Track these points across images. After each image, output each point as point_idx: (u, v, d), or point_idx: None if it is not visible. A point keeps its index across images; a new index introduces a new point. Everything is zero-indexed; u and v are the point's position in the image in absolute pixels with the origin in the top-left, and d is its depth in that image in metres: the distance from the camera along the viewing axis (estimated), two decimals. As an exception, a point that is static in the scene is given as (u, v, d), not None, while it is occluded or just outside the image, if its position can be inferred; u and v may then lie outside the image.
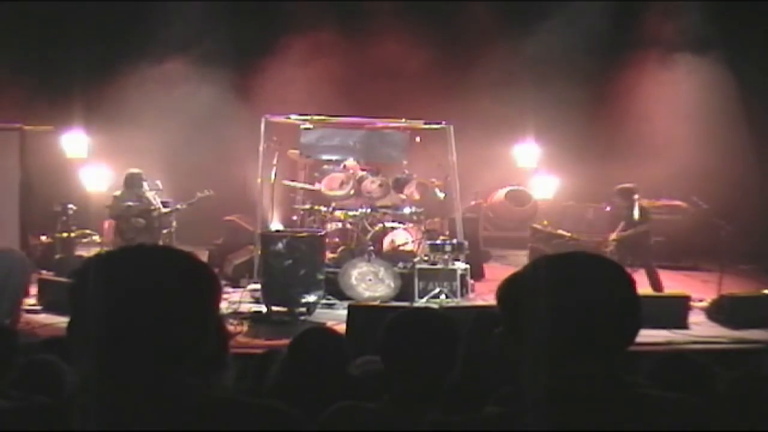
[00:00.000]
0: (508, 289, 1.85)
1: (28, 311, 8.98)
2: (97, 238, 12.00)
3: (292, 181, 12.19)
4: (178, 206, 11.27)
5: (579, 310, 1.73)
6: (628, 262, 10.54)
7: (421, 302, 10.03)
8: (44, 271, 10.57)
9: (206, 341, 1.72)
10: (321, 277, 9.91)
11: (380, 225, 11.30)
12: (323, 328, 4.72)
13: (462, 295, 10.44)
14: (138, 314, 1.63)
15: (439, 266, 10.53)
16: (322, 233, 10.64)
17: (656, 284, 10.73)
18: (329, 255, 10.86)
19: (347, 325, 7.65)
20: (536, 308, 1.74)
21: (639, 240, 10.77)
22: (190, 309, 1.68)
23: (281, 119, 11.80)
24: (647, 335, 8.69)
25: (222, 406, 1.70)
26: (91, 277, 1.69)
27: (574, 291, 1.74)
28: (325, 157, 11.89)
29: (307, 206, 11.46)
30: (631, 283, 1.81)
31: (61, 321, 8.79)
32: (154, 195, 11.02)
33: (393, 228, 11.24)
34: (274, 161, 11.63)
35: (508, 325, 1.83)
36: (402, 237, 11.14)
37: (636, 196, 10.76)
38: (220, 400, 1.71)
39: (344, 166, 11.83)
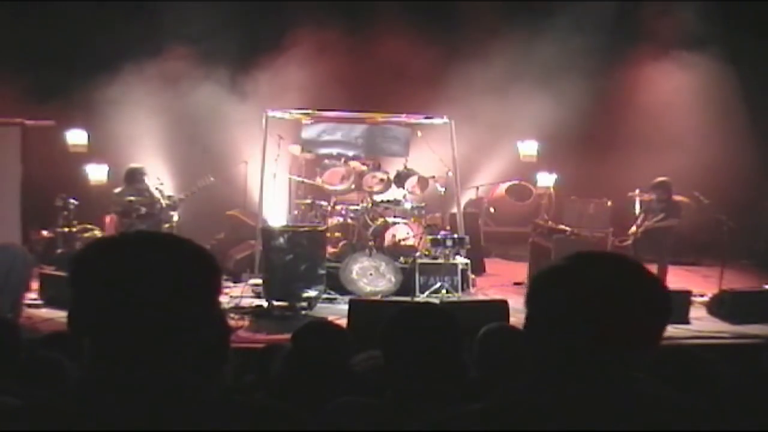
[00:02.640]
0: (543, 283, 1.85)
1: (30, 306, 8.99)
2: (98, 232, 12.00)
3: (294, 175, 12.19)
4: (181, 196, 11.28)
5: (612, 314, 1.75)
6: (647, 256, 10.55)
7: (422, 297, 10.05)
8: (46, 266, 10.57)
9: (207, 327, 1.71)
10: (322, 271, 9.91)
11: (381, 220, 11.31)
12: (325, 322, 4.73)
13: (463, 290, 10.44)
14: (137, 301, 1.62)
15: (440, 261, 10.53)
16: (323, 228, 10.64)
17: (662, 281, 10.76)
18: (330, 250, 10.86)
19: (348, 320, 7.66)
20: (570, 305, 1.76)
21: (664, 233, 10.83)
22: (190, 294, 1.68)
23: (282, 114, 11.81)
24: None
25: (222, 405, 1.70)
26: (89, 263, 1.69)
27: (611, 293, 1.76)
28: (326, 151, 11.88)
29: (309, 201, 11.47)
30: (661, 284, 1.86)
31: (63, 316, 8.76)
32: (155, 189, 11.02)
33: (394, 223, 11.24)
34: (276, 156, 11.63)
35: (535, 320, 1.84)
36: (403, 232, 11.14)
37: (672, 190, 10.89)
38: (220, 399, 1.71)
39: (345, 161, 11.83)
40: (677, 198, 11.07)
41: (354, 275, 10.33)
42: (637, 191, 10.96)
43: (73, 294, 1.68)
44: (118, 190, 10.90)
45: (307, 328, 3.93)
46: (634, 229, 11.10)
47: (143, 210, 10.77)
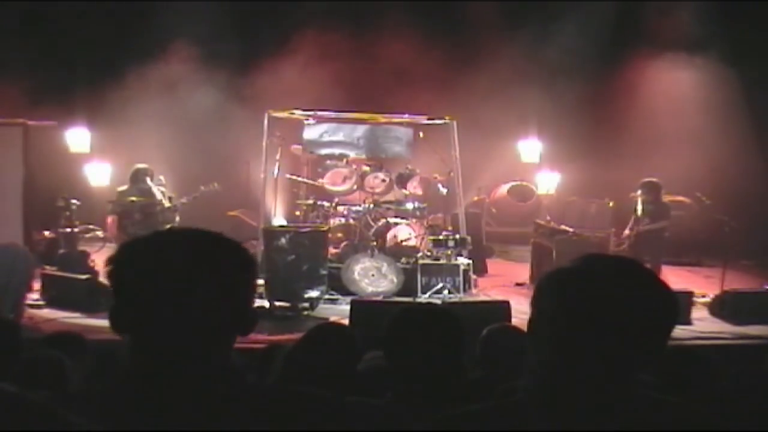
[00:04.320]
0: (549, 284, 1.84)
1: (32, 306, 8.99)
2: (100, 233, 12.01)
3: (295, 176, 12.19)
4: (183, 200, 11.28)
5: (618, 317, 1.73)
6: (646, 258, 10.57)
7: (424, 298, 10.04)
8: (47, 266, 10.57)
9: (246, 324, 1.74)
10: (324, 272, 9.91)
11: (383, 220, 11.31)
12: (337, 325, 4.74)
13: (465, 291, 10.44)
14: (177, 297, 1.63)
15: (441, 262, 10.53)
16: (325, 228, 10.64)
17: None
18: (332, 250, 10.86)
19: (350, 321, 7.65)
20: (576, 310, 1.75)
21: (658, 235, 10.83)
22: (230, 289, 1.69)
23: (284, 114, 11.81)
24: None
25: (265, 393, 1.73)
26: (128, 261, 1.69)
27: (619, 298, 1.75)
28: (328, 152, 11.89)
29: (310, 201, 11.46)
30: (668, 287, 1.84)
31: (65, 316, 8.83)
32: (158, 190, 11.02)
33: (396, 223, 11.24)
34: (278, 156, 11.64)
35: (540, 321, 1.83)
36: (405, 232, 11.14)
37: (662, 191, 10.88)
38: (263, 388, 1.73)
39: (347, 161, 11.84)
40: (665, 199, 11.11)
41: (356, 276, 10.33)
42: (639, 192, 10.96)
43: (113, 292, 1.69)
44: (122, 188, 10.92)
45: (319, 329, 3.93)
46: (627, 231, 11.11)
47: (144, 210, 10.77)
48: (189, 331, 1.64)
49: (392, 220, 11.33)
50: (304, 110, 11.96)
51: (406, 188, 11.60)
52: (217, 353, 1.68)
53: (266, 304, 9.69)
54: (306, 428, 1.69)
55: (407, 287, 10.28)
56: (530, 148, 14.04)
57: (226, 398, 1.65)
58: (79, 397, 1.72)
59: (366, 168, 11.78)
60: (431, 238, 10.87)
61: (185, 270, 1.64)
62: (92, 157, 12.74)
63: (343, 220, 11.45)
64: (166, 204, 11.01)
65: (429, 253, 10.80)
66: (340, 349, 3.70)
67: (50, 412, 1.63)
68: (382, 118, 12.10)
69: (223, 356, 1.69)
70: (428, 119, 11.99)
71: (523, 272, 11.96)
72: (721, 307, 9.75)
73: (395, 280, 10.36)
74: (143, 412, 1.61)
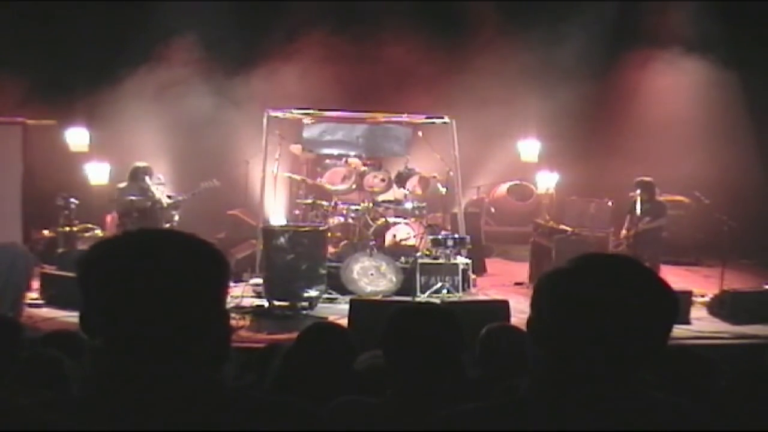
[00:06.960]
0: (548, 284, 1.84)
1: (31, 305, 8.99)
2: (99, 231, 12.01)
3: (295, 175, 12.19)
4: (181, 197, 11.27)
5: (618, 316, 1.74)
6: (645, 257, 10.58)
7: (423, 297, 10.04)
8: (47, 265, 10.58)
9: (217, 326, 1.71)
10: (323, 271, 9.90)
11: (382, 219, 11.31)
12: (332, 324, 4.73)
13: (464, 290, 10.43)
14: (146, 299, 1.60)
15: (441, 261, 10.53)
16: (325, 228, 10.64)
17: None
18: (331, 249, 10.86)
19: (349, 320, 7.65)
20: (575, 310, 1.75)
21: (656, 234, 10.84)
22: (201, 291, 1.66)
23: (284, 114, 11.80)
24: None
25: (237, 401, 1.69)
26: (96, 264, 1.67)
27: (618, 297, 1.75)
28: (327, 151, 11.89)
29: (310, 201, 11.46)
30: (668, 286, 1.83)
31: (64, 315, 8.81)
32: (158, 188, 11.02)
33: (395, 223, 11.25)
34: (277, 155, 11.64)
35: (539, 321, 1.83)
36: (404, 232, 11.14)
37: (657, 190, 10.90)
38: (227, 397, 1.70)
39: (346, 161, 11.84)
40: (662, 198, 11.13)
41: (355, 275, 10.33)
42: (638, 191, 10.97)
43: (82, 295, 1.67)
44: (121, 185, 10.92)
45: (313, 328, 3.93)
46: (625, 232, 11.11)
47: (143, 209, 10.76)
48: (156, 333, 1.61)
49: (391, 219, 11.33)
50: (303, 109, 11.96)
51: (405, 187, 11.60)
52: (185, 356, 1.65)
53: (265, 303, 9.71)
54: None
55: (406, 286, 10.28)
56: (530, 147, 14.04)
57: (193, 402, 1.63)
58: (60, 402, 1.71)
59: (365, 167, 11.79)
60: (430, 237, 10.87)
61: (156, 273, 1.62)
62: (91, 156, 12.74)
63: (342, 219, 11.44)
64: (165, 202, 11.02)
65: (428, 253, 10.80)
66: (334, 348, 3.70)
67: (37, 417, 1.62)
68: (381, 117, 12.10)
69: (195, 362, 1.66)
70: (427, 118, 11.99)
71: (522, 272, 11.97)
72: (720, 306, 9.74)
73: (394, 279, 10.36)
74: (108, 415, 1.58)
